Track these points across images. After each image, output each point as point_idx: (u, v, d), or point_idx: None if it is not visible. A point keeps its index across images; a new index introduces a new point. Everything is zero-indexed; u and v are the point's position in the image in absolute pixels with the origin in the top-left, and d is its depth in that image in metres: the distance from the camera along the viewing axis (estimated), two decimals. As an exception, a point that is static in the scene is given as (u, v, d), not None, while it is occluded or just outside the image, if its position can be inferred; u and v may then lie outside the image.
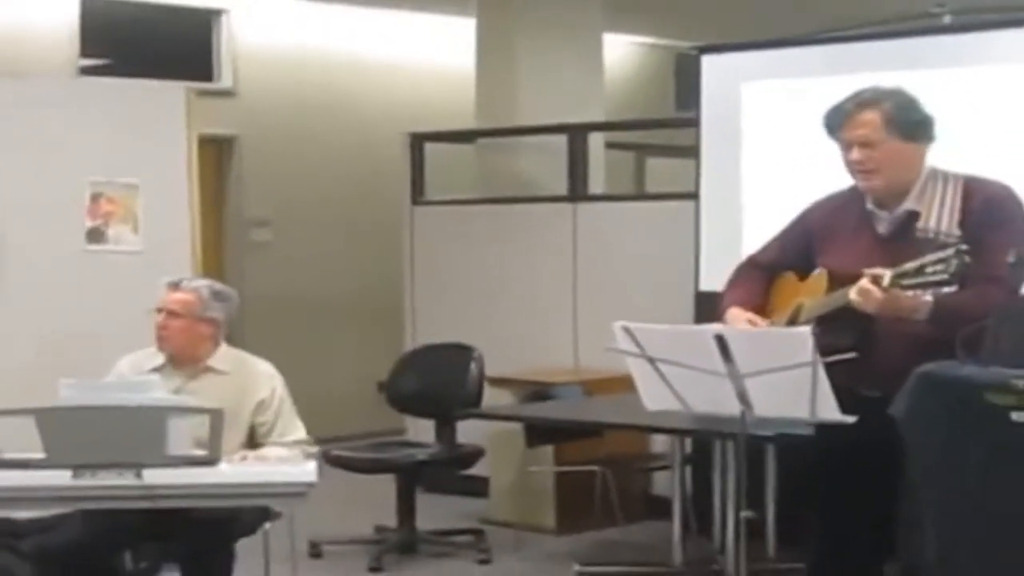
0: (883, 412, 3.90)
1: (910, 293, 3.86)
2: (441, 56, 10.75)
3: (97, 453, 4.28)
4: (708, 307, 5.54)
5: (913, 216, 4.12)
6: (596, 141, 8.67)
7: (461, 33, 9.76)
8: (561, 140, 8.32)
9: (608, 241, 7.98)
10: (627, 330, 4.11)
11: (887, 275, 3.85)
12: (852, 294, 3.94)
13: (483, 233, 8.49)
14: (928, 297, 3.89)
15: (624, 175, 11.33)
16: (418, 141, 8.91)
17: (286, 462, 4.79)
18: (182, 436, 4.41)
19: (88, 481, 4.29)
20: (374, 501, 7.24)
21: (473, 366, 7.10)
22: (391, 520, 7.03)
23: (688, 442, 6.76)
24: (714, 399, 4.09)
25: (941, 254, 3.78)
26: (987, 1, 6.95)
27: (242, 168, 10.17)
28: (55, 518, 5.14)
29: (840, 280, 4.09)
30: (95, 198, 6.63)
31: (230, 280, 9.74)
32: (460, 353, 7.21)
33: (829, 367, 3.87)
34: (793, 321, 4.22)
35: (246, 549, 5.04)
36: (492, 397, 7.34)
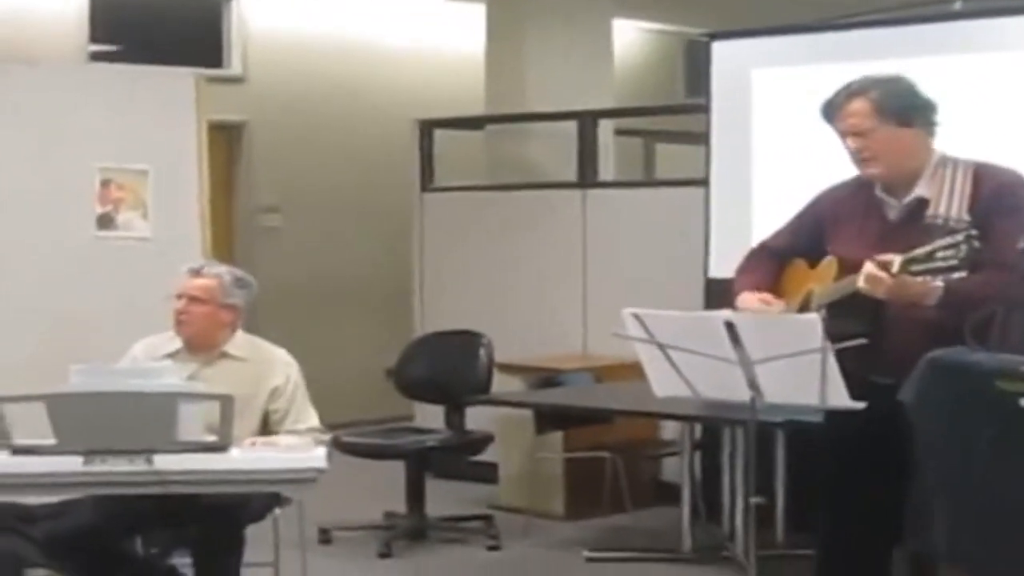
0: (893, 398, 3.90)
1: (920, 279, 3.86)
2: (451, 42, 10.74)
3: (108, 439, 4.29)
4: (718, 293, 5.55)
5: (922, 203, 4.12)
6: (605, 127, 8.66)
7: (471, 19, 9.75)
8: (571, 126, 8.32)
9: (617, 228, 7.97)
10: (637, 317, 4.12)
11: (896, 261, 3.85)
12: (861, 280, 3.94)
13: (492, 220, 8.49)
14: (938, 283, 3.89)
15: (633, 161, 11.31)
16: (427, 127, 8.91)
17: (295, 449, 4.79)
18: (193, 422, 4.41)
19: (98, 467, 4.29)
20: (383, 487, 7.24)
21: (482, 352, 7.10)
22: (400, 506, 7.04)
23: (697, 428, 6.76)
24: (724, 385, 4.09)
25: (951, 239, 3.78)
26: (998, -13, 6.94)
27: (251, 154, 10.17)
28: (65, 504, 5.14)
29: (850, 267, 4.09)
30: (104, 184, 6.63)
31: (239, 266, 9.73)
32: (469, 339, 7.21)
33: (839, 353, 3.87)
34: (804, 308, 4.22)
35: (256, 535, 5.05)
36: (501, 383, 7.34)
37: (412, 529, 6.96)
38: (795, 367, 3.90)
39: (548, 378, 7.45)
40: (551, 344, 8.01)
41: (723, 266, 6.04)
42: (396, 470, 7.04)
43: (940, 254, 3.78)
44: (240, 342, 5.21)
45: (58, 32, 9.05)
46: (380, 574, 6.52)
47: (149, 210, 6.69)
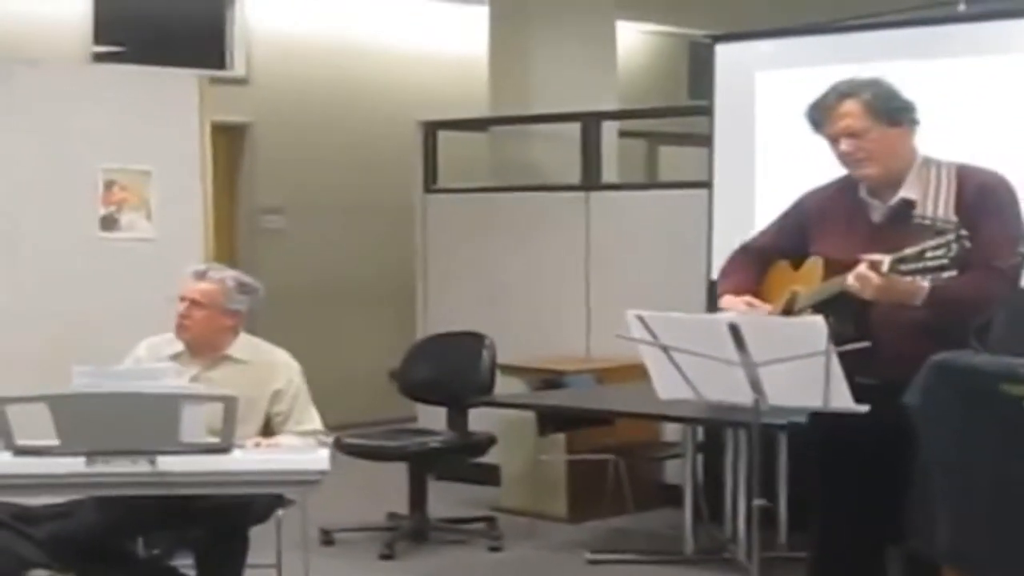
0: (879, 399, 3.89)
1: (909, 279, 3.86)
2: (454, 44, 10.74)
3: (110, 440, 4.29)
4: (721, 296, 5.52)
5: (908, 204, 4.11)
6: (609, 129, 8.66)
7: (474, 21, 9.75)
8: (574, 128, 8.31)
9: (621, 229, 7.97)
10: (641, 319, 4.11)
11: (886, 260, 3.85)
12: (850, 279, 3.93)
13: (496, 221, 8.49)
14: (925, 283, 3.89)
15: (637, 163, 11.32)
16: (431, 129, 8.91)
17: (297, 450, 4.79)
18: (196, 423, 4.41)
19: (101, 468, 4.29)
20: (386, 489, 7.24)
21: (485, 354, 7.10)
22: (403, 508, 7.04)
23: (700, 430, 6.76)
24: (727, 388, 4.09)
25: (941, 239, 3.78)
26: (1002, -11, 6.93)
27: (255, 156, 10.17)
28: (68, 505, 5.15)
29: (836, 268, 4.09)
30: (108, 185, 6.63)
31: (243, 267, 9.73)
32: (472, 341, 7.21)
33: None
34: (789, 309, 4.22)
35: (258, 536, 5.05)
36: (504, 385, 7.34)
37: (414, 531, 6.96)
38: (798, 370, 3.89)
39: (551, 380, 7.45)
40: (554, 346, 8.01)
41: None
42: (399, 471, 7.04)
43: (930, 253, 3.78)
44: (242, 345, 5.20)
45: (62, 33, 9.06)
46: (382, 575, 6.53)
47: (152, 211, 6.70)
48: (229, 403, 4.35)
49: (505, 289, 8.35)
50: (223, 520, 4.79)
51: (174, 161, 6.74)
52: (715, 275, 6.87)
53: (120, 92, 6.71)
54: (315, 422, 5.12)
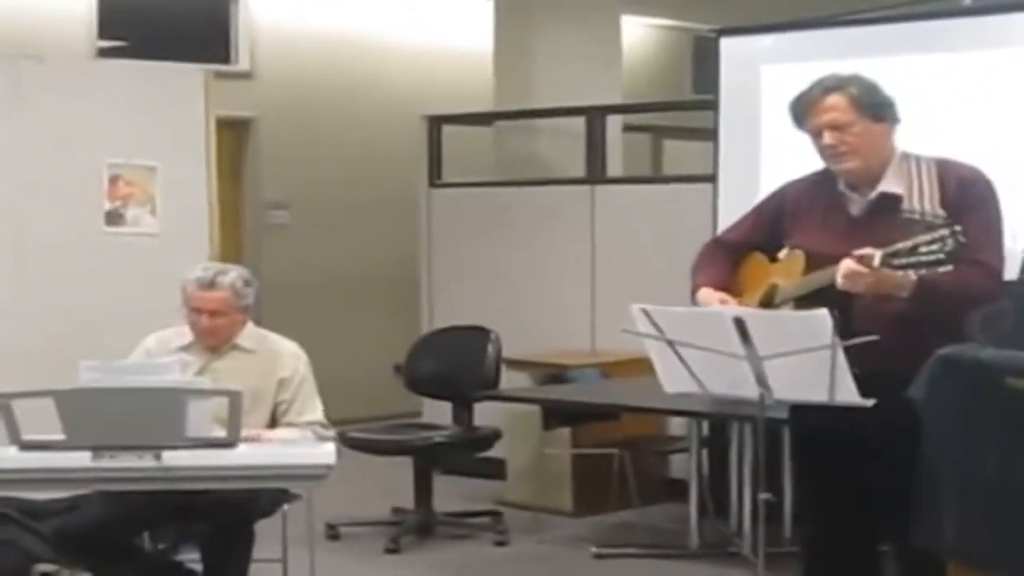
0: (863, 391, 3.89)
1: (900, 273, 3.86)
2: (459, 38, 10.74)
3: (116, 435, 4.28)
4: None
5: (887, 198, 4.11)
6: (614, 123, 8.66)
7: (479, 15, 9.75)
8: (579, 122, 8.32)
9: (625, 223, 7.97)
10: (646, 312, 4.11)
11: (877, 255, 3.84)
12: (840, 276, 3.92)
13: (500, 215, 8.49)
14: (911, 275, 3.89)
15: (642, 158, 11.31)
16: (436, 123, 8.91)
17: (296, 443, 4.79)
18: (202, 416, 4.41)
19: (107, 463, 4.29)
20: (391, 483, 7.25)
21: (490, 348, 7.10)
22: (408, 502, 7.04)
23: (705, 425, 6.76)
24: (733, 382, 4.09)
25: (935, 234, 3.78)
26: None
27: (259, 150, 10.17)
28: (74, 499, 5.16)
29: (817, 261, 4.09)
30: (113, 180, 6.63)
31: (247, 262, 9.74)
32: (477, 335, 7.21)
33: None
34: (768, 302, 4.21)
35: (264, 530, 5.05)
36: (509, 379, 7.34)
37: (420, 525, 6.96)
38: (804, 363, 3.89)
39: (556, 374, 7.45)
40: (559, 340, 8.01)
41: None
42: (404, 466, 7.05)
43: (924, 248, 3.78)
44: (249, 334, 5.22)
45: (67, 28, 9.06)
46: (387, 570, 6.52)
47: (157, 206, 6.70)
48: (234, 398, 4.35)
49: (510, 283, 8.35)
50: (229, 515, 4.80)
51: (179, 156, 6.74)
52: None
53: (125, 87, 6.70)
54: (316, 413, 5.12)
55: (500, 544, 6.85)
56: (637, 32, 11.52)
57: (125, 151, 6.63)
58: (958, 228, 3.76)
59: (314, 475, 4.45)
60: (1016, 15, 6.31)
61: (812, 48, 6.86)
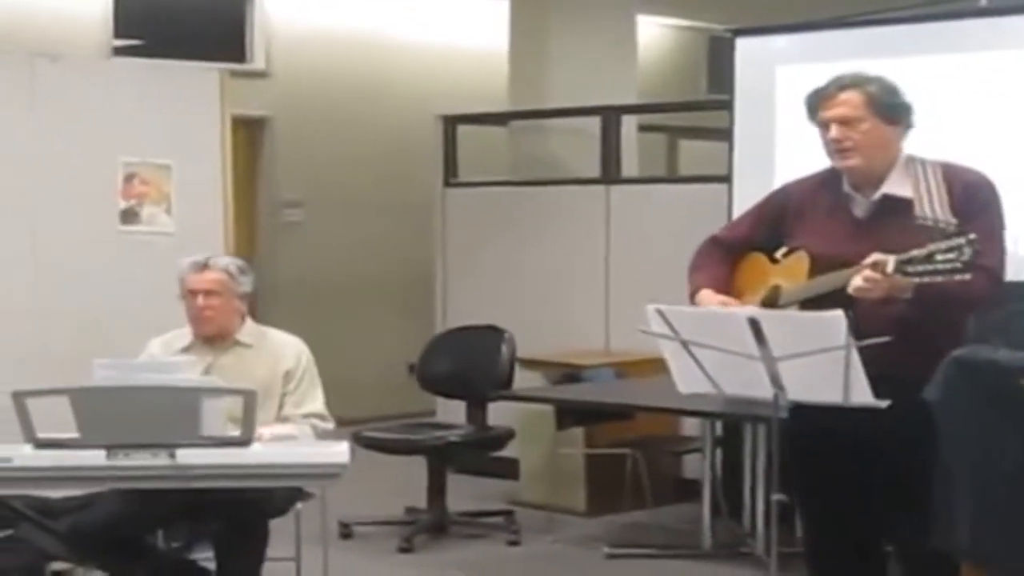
0: None
1: (916, 280, 3.84)
2: (474, 38, 10.74)
3: (131, 433, 4.29)
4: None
5: (890, 200, 4.09)
6: (629, 123, 8.66)
7: (495, 15, 9.75)
8: (594, 122, 8.31)
9: (640, 223, 7.97)
10: (660, 312, 4.10)
11: (891, 261, 3.82)
12: (858, 281, 3.90)
13: (515, 215, 8.49)
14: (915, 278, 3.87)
15: (657, 158, 11.30)
16: (451, 123, 8.91)
17: (282, 440, 4.79)
18: (216, 415, 4.42)
19: (122, 461, 4.30)
20: (405, 482, 7.25)
21: (504, 348, 7.10)
22: (421, 501, 7.04)
23: (719, 425, 6.75)
24: (747, 382, 4.08)
25: (952, 242, 3.75)
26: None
27: (275, 149, 10.18)
28: (88, 497, 5.17)
29: (822, 264, 4.08)
30: (128, 179, 6.65)
31: (262, 261, 9.80)
32: (491, 335, 7.21)
33: None
34: (771, 303, 4.19)
35: (277, 529, 5.06)
36: (523, 379, 7.34)
37: (433, 524, 6.97)
38: (818, 364, 3.88)
39: (570, 374, 7.45)
40: (573, 340, 8.01)
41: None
42: (417, 465, 7.05)
43: (940, 256, 3.75)
44: (249, 330, 5.24)
45: (82, 27, 9.08)
46: (400, 569, 6.52)
47: (172, 205, 6.72)
48: (249, 397, 4.36)
49: (524, 283, 8.35)
50: (242, 513, 4.80)
51: (194, 155, 6.76)
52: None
53: (140, 86, 6.72)
54: (316, 404, 5.14)
55: (513, 544, 6.86)
56: (652, 32, 11.51)
57: (140, 150, 6.65)
58: (973, 237, 3.74)
59: (328, 474, 4.46)
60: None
61: (827, 49, 6.85)
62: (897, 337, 3.86)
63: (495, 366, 7.07)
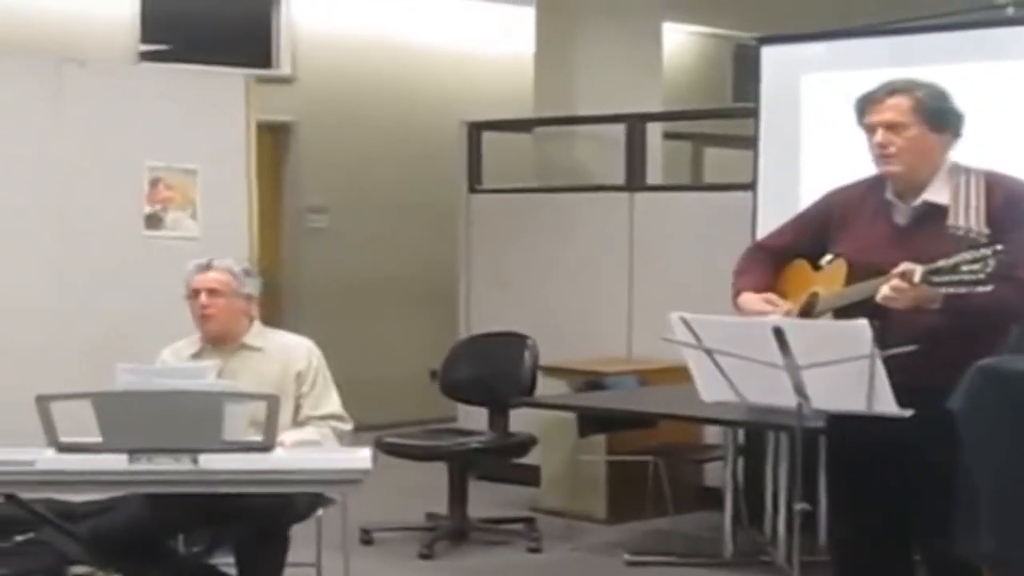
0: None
1: (942, 290, 3.83)
2: (500, 44, 10.75)
3: (153, 438, 4.30)
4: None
5: (931, 208, 4.08)
6: (654, 131, 8.65)
7: (520, 21, 9.75)
8: (619, 129, 8.31)
9: (665, 231, 7.96)
10: (684, 321, 4.10)
11: (918, 271, 3.81)
12: (885, 290, 3.89)
13: (539, 222, 8.49)
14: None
15: (681, 165, 11.29)
16: (476, 129, 8.92)
17: (304, 446, 4.79)
18: (238, 420, 4.43)
19: (144, 466, 4.31)
20: (426, 488, 7.25)
21: (527, 355, 7.10)
22: (442, 507, 7.04)
23: (741, 433, 6.74)
24: (771, 391, 4.07)
25: (977, 253, 3.74)
26: (1051, -7, 6.90)
27: (300, 154, 10.20)
28: (110, 501, 5.18)
29: (859, 272, 4.07)
30: (153, 184, 6.66)
31: (287, 266, 9.83)
32: (514, 342, 7.21)
33: None
34: (808, 311, 4.19)
35: (298, 535, 5.06)
36: (545, 386, 7.33)
37: (454, 530, 6.97)
38: (843, 373, 3.87)
39: (592, 381, 7.44)
40: (596, 347, 8.00)
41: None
42: (439, 471, 7.05)
43: (966, 267, 3.74)
44: (257, 332, 5.24)
45: (109, 32, 9.11)
46: (421, 575, 6.52)
47: (198, 210, 6.72)
48: (272, 402, 4.37)
49: (548, 290, 8.35)
50: (264, 518, 4.80)
51: (219, 160, 6.77)
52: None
53: (166, 91, 6.73)
54: (333, 405, 5.13)
55: (534, 551, 6.85)
56: (678, 39, 11.50)
57: (166, 155, 6.66)
58: (1000, 247, 3.72)
59: (349, 480, 4.46)
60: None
61: (852, 57, 6.83)
62: (928, 347, 3.84)
63: (518, 373, 7.07)
